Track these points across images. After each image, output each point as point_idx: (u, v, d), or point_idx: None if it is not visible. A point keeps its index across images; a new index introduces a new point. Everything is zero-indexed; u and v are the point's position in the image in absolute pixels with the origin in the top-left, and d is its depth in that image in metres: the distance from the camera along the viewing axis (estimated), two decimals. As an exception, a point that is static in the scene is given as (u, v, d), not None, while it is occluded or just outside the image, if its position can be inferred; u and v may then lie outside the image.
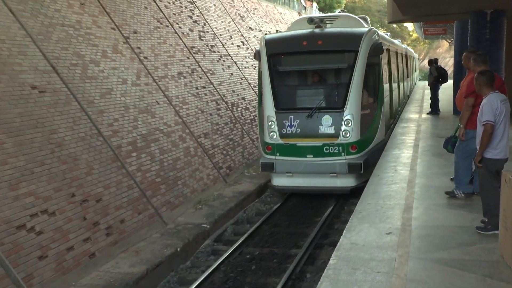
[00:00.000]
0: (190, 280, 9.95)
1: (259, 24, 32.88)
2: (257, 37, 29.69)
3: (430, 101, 22.06)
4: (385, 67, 16.71)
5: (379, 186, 10.26)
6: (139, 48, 16.83)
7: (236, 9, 30.73)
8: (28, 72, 11.58)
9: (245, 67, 25.46)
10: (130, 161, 13.06)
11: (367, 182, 10.95)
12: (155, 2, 20.10)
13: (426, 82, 26.11)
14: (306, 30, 15.04)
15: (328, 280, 6.07)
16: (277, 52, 14.73)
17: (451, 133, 10.51)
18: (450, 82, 24.55)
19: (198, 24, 22.93)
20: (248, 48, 27.66)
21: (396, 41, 29.18)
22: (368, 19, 19.11)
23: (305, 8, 57.09)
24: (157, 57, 17.63)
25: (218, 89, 20.68)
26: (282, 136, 13.81)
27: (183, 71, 18.79)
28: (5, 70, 11.00)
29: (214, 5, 26.97)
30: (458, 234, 7.45)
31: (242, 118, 21.61)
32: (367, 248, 7.05)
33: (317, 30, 14.62)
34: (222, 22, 26.46)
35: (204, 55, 21.47)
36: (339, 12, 29.65)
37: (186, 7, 22.86)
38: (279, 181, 14.35)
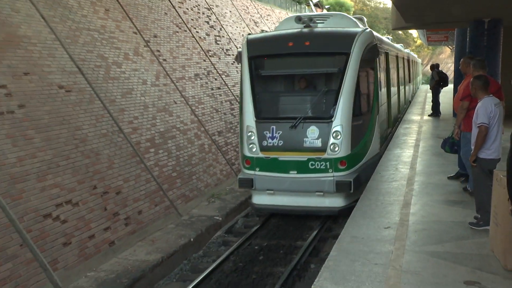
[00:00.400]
0: (202, 268, 10.00)
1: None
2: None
3: (431, 103, 22.06)
4: (382, 72, 14.32)
5: (380, 183, 10.28)
6: (158, 51, 16.92)
7: (251, 15, 30.77)
8: (56, 73, 11.69)
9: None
10: (148, 157, 13.14)
11: (360, 197, 9.84)
12: (174, 8, 20.18)
13: (428, 86, 25.98)
14: (293, 29, 12.58)
15: (328, 271, 6.11)
16: (259, 54, 12.24)
17: (449, 134, 10.52)
18: (451, 86, 24.48)
19: (215, 29, 22.99)
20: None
21: (398, 45, 26.91)
22: (365, 19, 16.39)
23: (315, 15, 56.79)
24: (175, 60, 17.71)
25: (232, 90, 20.72)
26: (262, 149, 11.31)
27: (200, 73, 18.86)
28: (35, 71, 11.12)
29: (230, 11, 27.02)
30: (452, 228, 7.47)
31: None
32: (366, 241, 7.08)
33: (305, 30, 12.20)
34: (237, 27, 26.50)
35: (219, 58, 21.53)
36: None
37: (203, 13, 22.93)
38: (259, 199, 11.72)
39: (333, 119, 10.91)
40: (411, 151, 13.56)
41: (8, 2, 11.72)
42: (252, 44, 12.31)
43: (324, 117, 11.11)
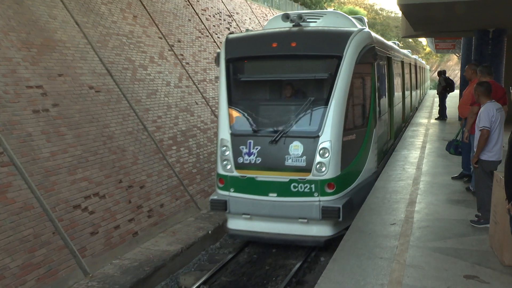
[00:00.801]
0: (218, 259, 10.07)
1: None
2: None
3: (438, 108, 21.98)
4: (382, 78, 12.05)
5: (387, 182, 10.25)
6: (182, 55, 17.02)
7: (269, 23, 30.74)
8: (87, 75, 11.83)
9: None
10: (171, 154, 13.23)
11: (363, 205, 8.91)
12: (197, 15, 20.28)
13: (436, 91, 25.86)
14: (280, 29, 10.46)
15: (336, 264, 6.14)
16: (238, 56, 10.04)
17: (454, 136, 10.49)
18: (457, 91, 24.37)
19: (235, 35, 23.03)
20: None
21: (405, 51, 23.92)
22: (365, 19, 13.62)
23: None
24: (197, 63, 17.80)
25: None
26: (237, 166, 9.23)
27: (220, 76, 18.92)
28: (68, 72, 11.28)
29: (249, 18, 27.10)
30: (454, 226, 7.45)
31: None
32: (372, 236, 7.09)
33: (294, 30, 10.12)
34: (255, 33, 26.50)
35: (239, 63, 21.55)
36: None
37: (224, 20, 23.03)
38: (234, 223, 9.61)
39: (320, 133, 8.91)
40: (418, 153, 13.50)
41: (46, 10, 11.90)
42: (231, 44, 10.14)
43: (309, 131, 9.08)
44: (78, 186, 9.81)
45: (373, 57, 9.85)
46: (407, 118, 20.84)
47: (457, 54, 53.16)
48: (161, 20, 17.22)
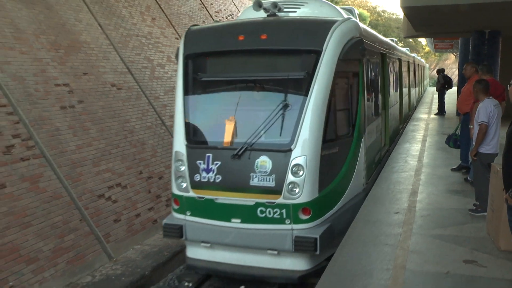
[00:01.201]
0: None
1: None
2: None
3: (437, 104, 21.95)
4: (373, 78, 9.79)
5: (391, 174, 10.24)
6: (197, 55, 17.04)
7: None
8: (109, 73, 11.90)
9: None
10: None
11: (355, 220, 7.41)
12: (211, 17, 20.31)
13: (435, 88, 25.79)
14: (252, 19, 8.31)
15: (344, 250, 6.17)
16: (199, 51, 7.82)
17: (453, 131, 10.48)
18: (455, 88, 24.26)
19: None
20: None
21: (403, 49, 21.95)
22: (356, 11, 11.05)
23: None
24: (211, 63, 17.82)
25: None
26: (194, 185, 7.16)
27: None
28: (92, 71, 11.36)
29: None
30: (453, 214, 7.46)
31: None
32: (377, 224, 7.10)
33: (267, 20, 8.02)
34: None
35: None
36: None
37: (236, 22, 23.00)
38: (193, 252, 7.53)
39: (292, 146, 6.79)
40: (419, 146, 13.47)
41: (73, 14, 11.99)
42: (191, 38, 7.99)
43: (280, 144, 6.96)
44: (102, 177, 9.90)
45: (361, 52, 7.87)
46: (405, 119, 18.73)
47: (454, 54, 52.88)
48: (177, 21, 17.25)
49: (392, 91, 13.27)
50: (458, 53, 29.39)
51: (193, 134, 7.51)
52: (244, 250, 7.08)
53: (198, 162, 7.19)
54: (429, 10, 11.88)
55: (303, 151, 6.77)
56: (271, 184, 6.82)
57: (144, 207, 10.50)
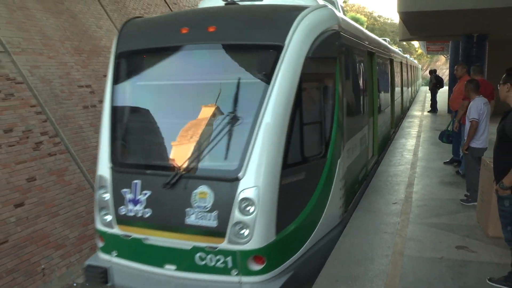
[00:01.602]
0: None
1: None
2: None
3: (430, 102, 21.98)
4: (356, 81, 7.66)
5: (389, 167, 10.22)
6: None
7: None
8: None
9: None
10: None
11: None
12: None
13: (427, 87, 25.77)
14: (203, 8, 6.33)
15: (347, 238, 6.16)
16: (134, 48, 5.74)
17: (445, 127, 10.48)
18: (446, 88, 24.24)
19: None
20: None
21: (396, 49, 19.69)
22: (338, 2, 8.55)
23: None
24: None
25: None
26: (120, 220, 5.18)
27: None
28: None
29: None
30: (447, 204, 7.46)
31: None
32: (377, 214, 7.10)
33: (223, 9, 5.96)
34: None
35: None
36: None
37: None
38: None
39: (240, 174, 4.77)
40: (414, 141, 13.45)
41: (94, 21, 12.04)
42: (128, 32, 5.83)
43: (224, 170, 4.92)
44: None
45: (337, 49, 5.88)
46: (397, 122, 16.63)
47: (445, 55, 52.69)
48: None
49: (382, 94, 11.21)
50: (448, 55, 29.33)
51: (120, 154, 5.42)
52: None
53: (124, 190, 5.11)
54: (423, 15, 11.94)
55: (255, 180, 4.65)
56: (213, 223, 4.72)
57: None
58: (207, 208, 4.77)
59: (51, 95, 9.34)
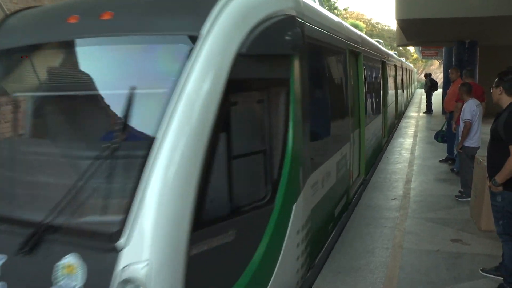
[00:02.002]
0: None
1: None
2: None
3: (426, 103, 21.98)
4: (326, 89, 5.51)
5: (387, 165, 10.20)
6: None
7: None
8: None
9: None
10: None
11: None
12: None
13: (423, 90, 25.74)
14: None
15: (349, 232, 6.15)
16: (12, 45, 3.50)
17: (439, 127, 10.45)
18: (440, 90, 24.21)
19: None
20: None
21: (391, 52, 17.94)
22: None
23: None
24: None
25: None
26: None
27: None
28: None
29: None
30: (442, 200, 7.44)
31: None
32: (377, 209, 7.08)
33: None
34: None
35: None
36: None
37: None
38: None
39: (121, 241, 2.61)
40: (411, 140, 13.43)
41: None
42: (8, 25, 3.79)
43: (99, 234, 2.76)
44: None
45: (292, 43, 3.63)
46: (391, 130, 14.65)
47: (439, 60, 52.39)
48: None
49: (371, 102, 9.43)
50: (442, 59, 29.24)
51: None
52: None
53: None
54: (419, 22, 12.12)
55: (145, 251, 2.65)
56: None
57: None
58: (76, 284, 2.69)
59: None
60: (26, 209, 3.16)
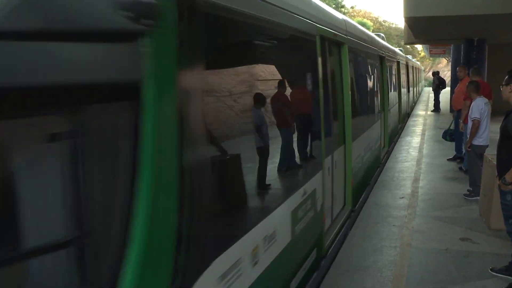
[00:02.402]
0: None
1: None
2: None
3: (433, 102, 21.88)
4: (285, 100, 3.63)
5: (395, 163, 10.16)
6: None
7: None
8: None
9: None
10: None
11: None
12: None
13: (431, 88, 25.63)
14: None
15: (357, 230, 6.13)
16: None
17: (447, 126, 10.38)
18: (448, 88, 24.11)
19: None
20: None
21: (396, 49, 16.77)
22: None
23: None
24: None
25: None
26: None
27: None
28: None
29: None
30: (451, 199, 7.38)
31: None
32: (385, 207, 7.05)
33: None
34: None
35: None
36: None
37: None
38: None
39: None
40: (419, 139, 13.36)
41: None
42: None
43: None
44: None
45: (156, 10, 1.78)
46: (393, 136, 13.12)
47: (446, 58, 52.16)
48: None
49: (364, 108, 7.96)
50: (450, 57, 29.07)
51: None
52: None
53: None
54: (427, 20, 12.05)
55: None
56: None
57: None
58: None
59: None
60: None
